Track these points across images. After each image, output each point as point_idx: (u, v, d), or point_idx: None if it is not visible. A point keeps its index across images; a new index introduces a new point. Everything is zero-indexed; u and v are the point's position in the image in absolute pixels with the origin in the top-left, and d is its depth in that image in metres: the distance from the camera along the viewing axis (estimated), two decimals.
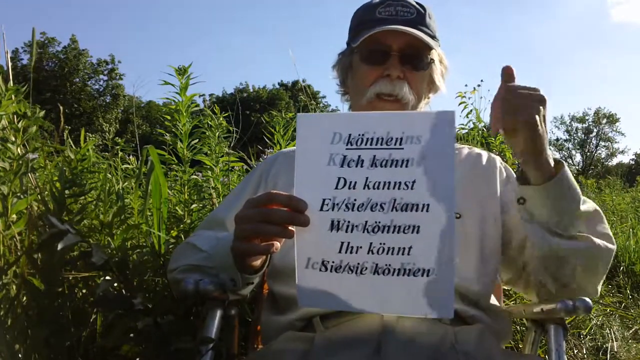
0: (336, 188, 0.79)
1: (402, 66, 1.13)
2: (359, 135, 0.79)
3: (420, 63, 1.16)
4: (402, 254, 0.78)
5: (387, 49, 1.13)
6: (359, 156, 0.79)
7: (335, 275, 0.80)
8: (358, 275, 0.79)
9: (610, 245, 1.01)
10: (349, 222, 0.78)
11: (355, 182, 0.78)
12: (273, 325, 1.10)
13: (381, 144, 0.78)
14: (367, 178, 0.78)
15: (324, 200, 0.79)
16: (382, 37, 1.13)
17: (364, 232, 0.78)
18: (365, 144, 0.79)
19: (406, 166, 0.77)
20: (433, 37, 1.16)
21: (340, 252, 0.79)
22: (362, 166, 0.79)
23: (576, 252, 0.97)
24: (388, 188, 0.78)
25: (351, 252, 0.79)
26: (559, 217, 0.95)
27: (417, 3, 1.17)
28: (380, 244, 0.78)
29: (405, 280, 0.78)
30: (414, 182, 0.77)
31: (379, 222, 0.78)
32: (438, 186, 0.77)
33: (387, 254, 0.78)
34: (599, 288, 1.06)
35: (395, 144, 0.78)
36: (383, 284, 0.79)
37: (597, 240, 0.99)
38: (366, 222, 0.78)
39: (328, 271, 0.80)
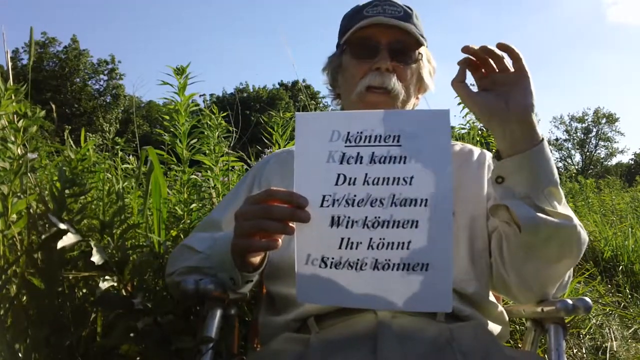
0: (336, 184, 0.80)
1: (391, 60, 1.14)
2: (358, 133, 0.80)
3: (408, 57, 1.18)
4: (402, 248, 0.79)
5: (376, 44, 1.15)
6: (358, 153, 0.80)
7: (335, 272, 0.80)
8: (358, 271, 0.80)
9: (585, 236, 0.96)
10: (349, 217, 0.79)
11: (355, 179, 0.79)
12: (270, 325, 1.10)
13: (379, 141, 0.80)
14: (366, 174, 0.79)
15: (324, 196, 0.80)
16: (371, 33, 1.15)
17: (363, 227, 0.79)
18: (364, 142, 0.80)
19: (404, 162, 0.79)
20: (421, 35, 1.18)
21: (340, 248, 0.80)
22: (361, 163, 0.80)
23: (558, 229, 0.91)
24: (387, 184, 0.79)
25: (351, 248, 0.80)
26: (539, 189, 0.90)
27: (404, 5, 1.19)
28: (380, 239, 0.79)
29: (404, 275, 0.79)
30: (412, 177, 0.79)
31: (379, 218, 0.79)
32: (436, 181, 0.78)
33: (387, 249, 0.79)
34: (555, 290, 1.03)
35: (393, 141, 0.79)
36: (382, 279, 0.79)
37: (576, 221, 0.94)
38: (366, 217, 0.79)
39: (328, 267, 0.81)
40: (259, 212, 0.83)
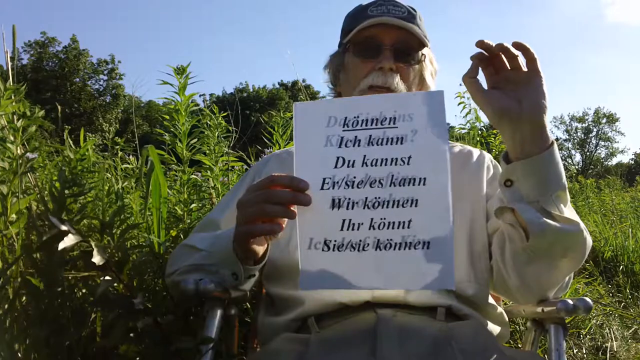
0: (335, 167, 0.81)
1: (394, 60, 1.15)
2: (354, 117, 0.82)
3: (411, 57, 1.18)
4: (403, 227, 0.80)
5: (380, 43, 1.16)
6: (356, 136, 0.82)
7: (337, 254, 0.81)
8: (360, 252, 0.80)
9: (590, 240, 0.95)
10: (349, 199, 0.80)
11: (354, 161, 0.81)
12: (270, 326, 1.10)
13: (376, 124, 0.82)
14: (364, 156, 0.81)
15: (324, 179, 0.81)
16: (375, 33, 1.16)
17: (364, 208, 0.80)
18: (361, 125, 0.82)
19: (401, 143, 0.81)
20: (424, 36, 1.18)
21: (342, 229, 0.81)
22: (359, 145, 0.82)
23: (565, 235, 0.90)
24: (385, 164, 0.80)
25: (353, 229, 0.80)
26: (548, 194, 0.88)
27: (408, 5, 1.20)
28: (381, 219, 0.80)
29: (407, 254, 0.80)
30: (409, 157, 0.80)
31: (379, 198, 0.80)
32: (433, 160, 0.80)
33: (388, 228, 0.80)
34: (555, 291, 1.02)
35: (389, 123, 0.81)
36: (385, 259, 0.80)
37: (582, 226, 0.92)
38: (366, 198, 0.80)
39: (330, 250, 0.81)
40: (260, 197, 0.83)
